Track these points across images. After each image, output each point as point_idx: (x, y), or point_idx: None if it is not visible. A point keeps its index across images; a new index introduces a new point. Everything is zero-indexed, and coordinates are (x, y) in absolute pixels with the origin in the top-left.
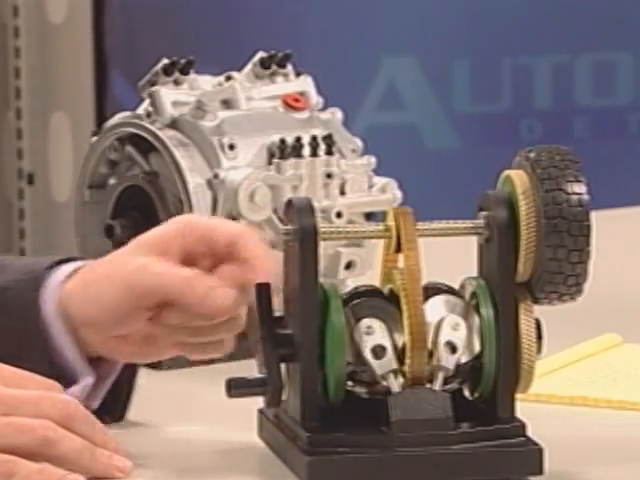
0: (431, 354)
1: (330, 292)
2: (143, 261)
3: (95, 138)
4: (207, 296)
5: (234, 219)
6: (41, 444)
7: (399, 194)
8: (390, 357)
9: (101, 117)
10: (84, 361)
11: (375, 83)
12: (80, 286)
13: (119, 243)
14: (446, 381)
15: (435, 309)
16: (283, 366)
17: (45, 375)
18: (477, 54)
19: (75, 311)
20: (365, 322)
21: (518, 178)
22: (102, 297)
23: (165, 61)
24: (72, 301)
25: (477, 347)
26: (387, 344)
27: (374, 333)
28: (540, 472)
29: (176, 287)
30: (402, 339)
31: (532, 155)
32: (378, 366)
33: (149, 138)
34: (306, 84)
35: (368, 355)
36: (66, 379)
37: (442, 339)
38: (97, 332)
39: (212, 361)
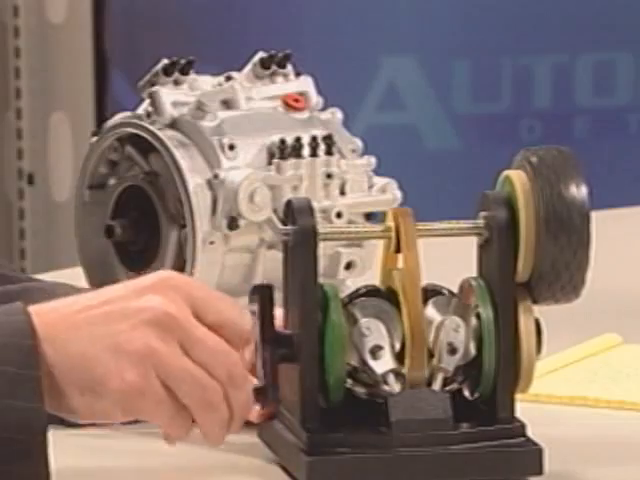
0: (431, 355)
1: (330, 292)
2: None
3: (95, 138)
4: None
5: (234, 219)
6: (200, 405)
7: (399, 194)
8: (388, 357)
9: (101, 117)
10: None
11: (375, 83)
12: None
13: (119, 243)
14: (446, 381)
15: (435, 310)
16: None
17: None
18: (477, 54)
19: None
20: (364, 322)
21: (518, 178)
22: None
23: (165, 61)
24: None
25: (473, 351)
26: (385, 344)
27: (372, 333)
28: (540, 472)
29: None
30: (401, 339)
31: (532, 155)
32: (377, 366)
33: (149, 138)
34: (306, 84)
35: (367, 355)
36: None
37: (442, 340)
38: None
39: None
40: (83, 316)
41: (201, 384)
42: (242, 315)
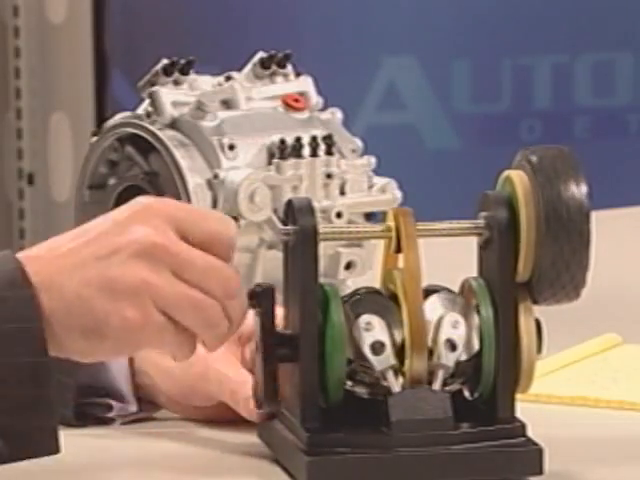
0: (431, 353)
1: (330, 292)
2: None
3: (95, 138)
4: (245, 408)
5: (234, 219)
6: (202, 325)
7: (399, 194)
8: (389, 353)
9: (101, 117)
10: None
11: (375, 83)
12: None
13: None
14: (446, 382)
15: (434, 307)
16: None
17: None
18: (477, 54)
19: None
20: (364, 318)
21: (518, 178)
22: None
23: (165, 61)
24: None
25: (477, 346)
26: (386, 340)
27: (373, 329)
28: (540, 472)
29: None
30: (401, 336)
31: (532, 155)
32: (377, 362)
33: (149, 138)
34: (306, 84)
35: (367, 351)
36: None
37: (442, 337)
38: None
39: None
40: (71, 260)
41: (199, 305)
42: (228, 226)
